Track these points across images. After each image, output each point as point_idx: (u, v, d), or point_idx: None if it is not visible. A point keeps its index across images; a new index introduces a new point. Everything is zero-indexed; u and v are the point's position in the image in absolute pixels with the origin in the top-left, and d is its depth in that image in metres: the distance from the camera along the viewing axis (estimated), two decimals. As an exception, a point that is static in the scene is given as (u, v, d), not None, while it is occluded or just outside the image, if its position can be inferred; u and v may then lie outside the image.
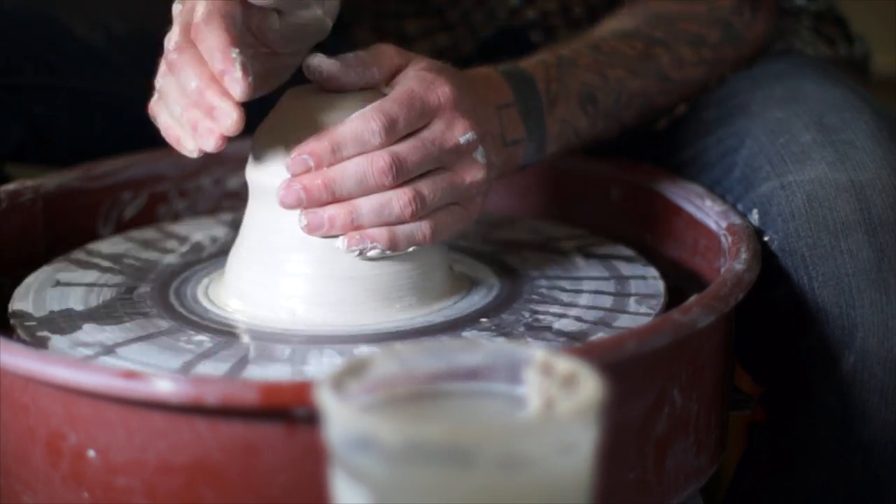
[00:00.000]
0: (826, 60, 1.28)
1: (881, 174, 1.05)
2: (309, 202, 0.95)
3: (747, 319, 1.05)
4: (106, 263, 1.10)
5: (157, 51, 1.35)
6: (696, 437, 0.97)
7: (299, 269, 0.98)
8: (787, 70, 1.21)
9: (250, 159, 1.01)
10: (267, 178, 0.99)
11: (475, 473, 0.66)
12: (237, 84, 0.92)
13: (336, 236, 0.97)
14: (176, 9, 0.99)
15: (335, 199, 0.95)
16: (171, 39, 0.97)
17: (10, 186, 1.15)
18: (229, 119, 0.92)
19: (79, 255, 1.11)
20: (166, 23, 1.35)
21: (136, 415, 0.85)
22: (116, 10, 1.34)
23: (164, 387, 0.83)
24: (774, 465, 1.08)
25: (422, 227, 0.97)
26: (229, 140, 0.93)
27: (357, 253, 0.97)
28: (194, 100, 0.94)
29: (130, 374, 0.85)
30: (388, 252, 0.97)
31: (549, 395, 0.72)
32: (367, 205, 0.95)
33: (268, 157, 0.99)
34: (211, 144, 0.93)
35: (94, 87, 1.31)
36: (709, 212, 1.10)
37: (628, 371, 0.90)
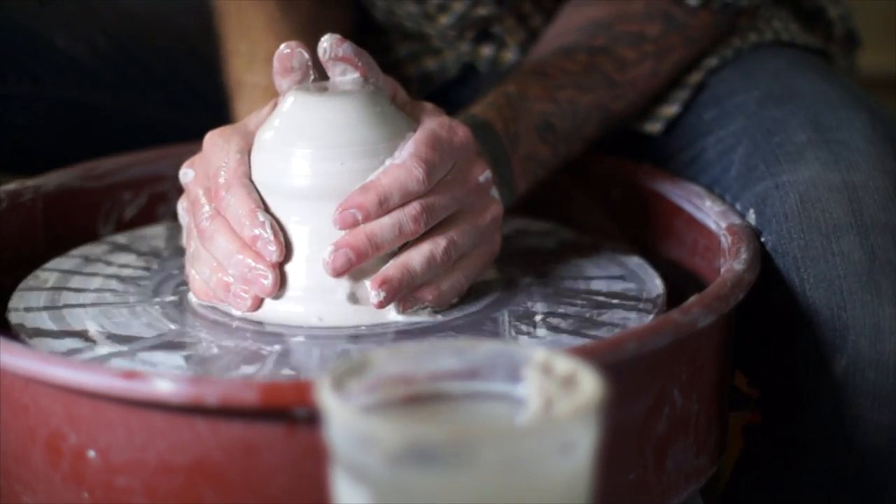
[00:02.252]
0: (818, 51, 1.28)
1: (874, 175, 1.05)
2: (358, 260, 0.96)
3: (744, 321, 1.05)
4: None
5: (139, 64, 1.36)
6: (696, 437, 0.97)
7: (299, 267, 0.98)
8: (784, 67, 1.21)
9: (252, 158, 1.01)
10: (268, 176, 0.99)
11: (475, 474, 0.66)
12: (270, 246, 0.96)
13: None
14: (186, 175, 1.02)
15: (376, 251, 0.96)
16: (202, 208, 0.99)
17: (10, 186, 1.15)
18: (266, 281, 0.97)
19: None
20: (148, 38, 1.36)
21: (137, 415, 0.85)
22: (99, 23, 1.35)
23: (165, 387, 0.83)
24: (769, 468, 1.08)
25: (460, 279, 1.00)
26: None
27: (410, 313, 0.98)
28: (226, 265, 0.98)
29: (130, 374, 0.85)
30: (434, 308, 0.99)
31: (548, 395, 0.72)
32: (418, 264, 0.97)
33: (269, 156, 0.99)
34: (246, 306, 0.98)
35: (76, 99, 1.33)
36: (708, 212, 1.10)
37: (628, 371, 0.90)
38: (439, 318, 0.99)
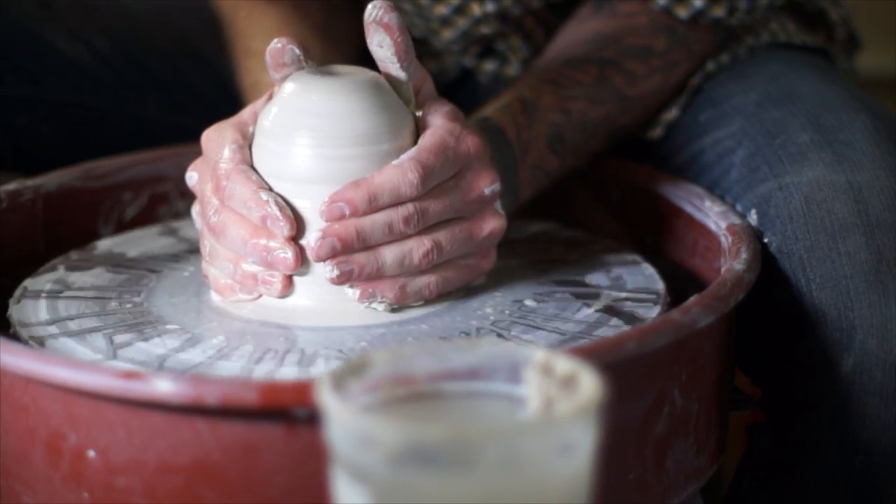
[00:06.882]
0: (816, 50, 1.28)
1: (879, 175, 1.05)
2: (343, 251, 0.95)
3: (747, 321, 1.05)
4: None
5: (139, 65, 1.37)
6: (696, 437, 0.97)
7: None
8: (782, 70, 1.20)
9: (253, 146, 1.01)
10: (269, 166, 0.99)
11: (475, 473, 0.66)
12: (279, 223, 0.96)
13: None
14: (192, 178, 1.02)
15: (364, 248, 0.96)
16: (209, 205, 0.99)
17: (10, 186, 1.15)
18: (286, 256, 0.96)
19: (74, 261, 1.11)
20: (148, 39, 1.36)
21: (136, 415, 0.85)
22: (98, 25, 1.35)
23: (164, 387, 0.83)
24: (774, 467, 1.08)
25: (429, 285, 0.99)
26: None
27: (366, 304, 0.98)
28: (245, 253, 0.97)
29: (130, 375, 0.85)
30: (393, 305, 0.98)
31: (548, 395, 0.72)
32: (390, 255, 0.96)
33: (270, 145, 0.99)
34: (278, 290, 0.98)
35: (75, 100, 1.33)
36: (708, 212, 1.10)
37: (628, 371, 0.90)
38: (431, 315, 0.99)
